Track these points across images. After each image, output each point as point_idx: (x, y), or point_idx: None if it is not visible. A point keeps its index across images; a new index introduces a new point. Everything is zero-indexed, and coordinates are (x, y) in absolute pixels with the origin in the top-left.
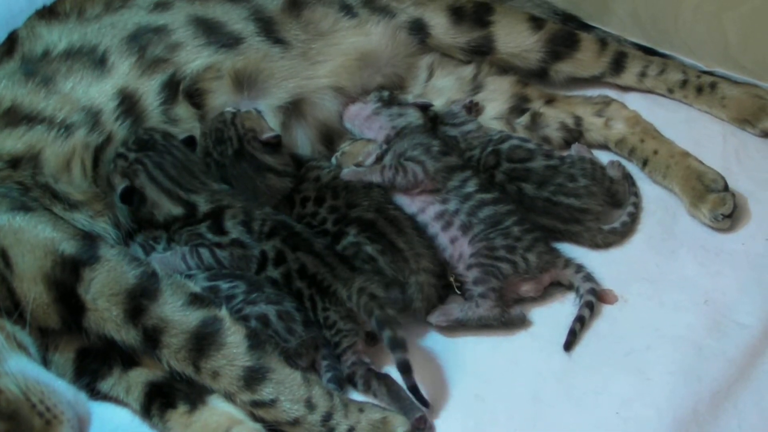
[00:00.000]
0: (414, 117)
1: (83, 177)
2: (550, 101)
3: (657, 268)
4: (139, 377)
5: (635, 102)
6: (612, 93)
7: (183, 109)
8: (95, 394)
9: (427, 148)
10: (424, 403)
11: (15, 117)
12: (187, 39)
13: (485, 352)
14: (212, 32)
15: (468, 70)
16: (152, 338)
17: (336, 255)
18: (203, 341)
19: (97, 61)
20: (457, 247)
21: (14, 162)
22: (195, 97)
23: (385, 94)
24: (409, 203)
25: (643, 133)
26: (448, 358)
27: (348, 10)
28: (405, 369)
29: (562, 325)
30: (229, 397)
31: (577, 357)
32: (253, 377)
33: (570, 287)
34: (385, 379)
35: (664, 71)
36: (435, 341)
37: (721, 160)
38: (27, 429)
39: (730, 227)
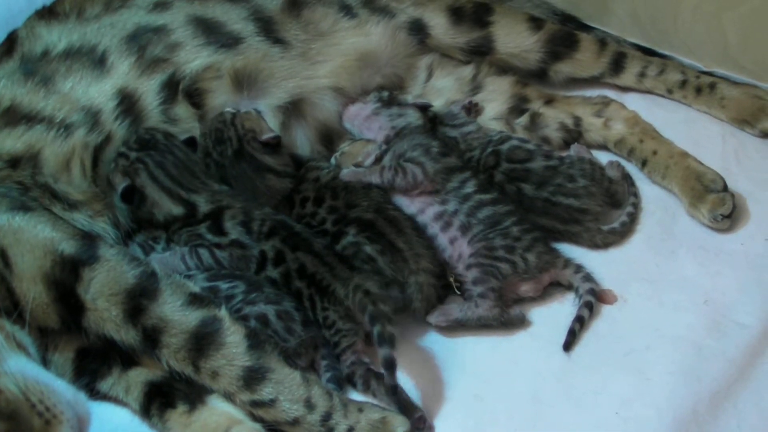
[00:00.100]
0: (413, 117)
1: (83, 177)
2: (549, 101)
3: (656, 268)
4: (139, 377)
5: (634, 102)
6: (611, 93)
7: (182, 109)
8: (95, 393)
9: (426, 149)
10: (408, 405)
11: (14, 117)
12: (186, 39)
13: (485, 352)
14: (212, 32)
15: (467, 71)
16: (152, 338)
17: (335, 255)
18: (203, 341)
19: (97, 60)
20: (457, 248)
21: (14, 162)
22: (194, 96)
23: (385, 94)
24: (408, 204)
25: (642, 133)
26: (448, 358)
27: (348, 11)
28: (389, 366)
29: (562, 325)
30: (229, 397)
31: (576, 357)
32: (252, 377)
33: (569, 287)
34: (384, 377)
35: (663, 72)
36: (434, 341)
37: (721, 160)
38: (26, 429)
39: (730, 227)
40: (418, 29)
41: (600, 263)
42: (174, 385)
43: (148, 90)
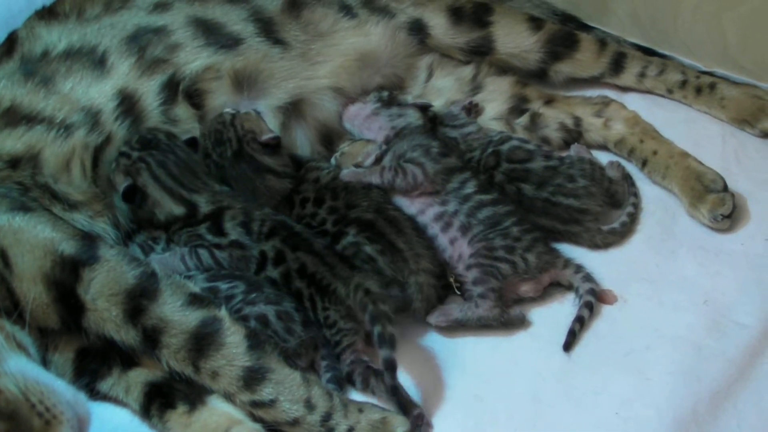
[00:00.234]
0: (413, 117)
1: (83, 177)
2: (549, 102)
3: (656, 269)
4: (139, 377)
5: (634, 102)
6: (611, 93)
7: (182, 110)
8: (95, 394)
9: (426, 150)
10: (407, 403)
11: (14, 117)
12: (186, 40)
13: (485, 352)
14: (212, 33)
15: (467, 71)
16: (152, 338)
17: (336, 254)
18: (203, 341)
19: (97, 61)
20: (457, 248)
21: (14, 162)
22: (194, 97)
23: (385, 94)
24: (408, 204)
25: (643, 133)
26: (448, 358)
27: (347, 11)
28: (389, 367)
29: (562, 326)
30: (229, 397)
31: (576, 357)
32: (252, 377)
33: (569, 287)
34: (384, 376)
35: (663, 72)
36: (434, 341)
37: (721, 160)
38: (26, 429)
39: (730, 227)
40: (418, 29)
41: (600, 263)
42: (174, 385)
43: (149, 91)
